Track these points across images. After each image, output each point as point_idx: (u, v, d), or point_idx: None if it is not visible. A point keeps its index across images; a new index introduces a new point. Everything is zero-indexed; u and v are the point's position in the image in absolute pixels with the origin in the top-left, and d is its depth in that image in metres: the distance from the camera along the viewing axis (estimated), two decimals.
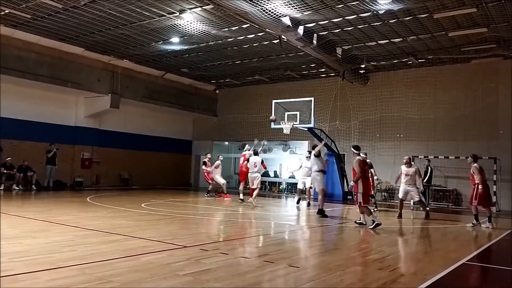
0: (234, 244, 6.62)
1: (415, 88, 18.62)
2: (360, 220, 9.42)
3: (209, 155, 17.60)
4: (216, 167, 16.03)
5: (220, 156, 17.30)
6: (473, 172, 10.15)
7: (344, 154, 20.00)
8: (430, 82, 18.35)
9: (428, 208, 12.52)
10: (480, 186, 10.01)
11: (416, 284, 4.63)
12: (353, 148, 9.67)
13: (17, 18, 14.79)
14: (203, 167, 17.05)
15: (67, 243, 6.05)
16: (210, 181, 16.57)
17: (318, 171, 11.67)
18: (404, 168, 11.95)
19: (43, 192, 15.94)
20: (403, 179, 11.83)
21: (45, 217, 8.76)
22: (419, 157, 17.14)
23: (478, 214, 10.21)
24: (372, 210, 9.65)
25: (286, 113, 17.02)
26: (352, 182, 9.35)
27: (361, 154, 9.60)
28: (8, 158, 15.97)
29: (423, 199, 12.04)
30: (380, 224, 9.02)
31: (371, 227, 8.96)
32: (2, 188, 15.45)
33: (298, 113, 16.82)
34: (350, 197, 19.02)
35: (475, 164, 10.27)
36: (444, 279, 5.05)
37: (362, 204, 9.16)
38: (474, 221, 10.11)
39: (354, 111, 19.99)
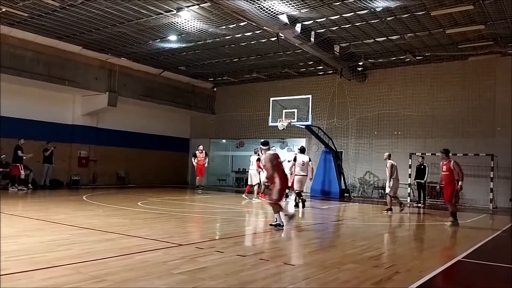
0: (229, 242, 6.61)
1: (413, 85, 18.63)
2: (275, 221, 8.20)
3: (201, 147, 17.51)
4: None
5: (200, 146, 17.63)
6: (454, 168, 9.61)
7: (342, 151, 20.03)
8: (427, 80, 18.36)
9: (388, 206, 12.45)
10: (460, 183, 9.57)
11: (411, 281, 4.64)
12: (261, 144, 8.92)
13: (14, 17, 14.74)
14: (193, 159, 17.24)
15: (62, 241, 6.05)
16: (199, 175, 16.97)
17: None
18: None
19: (39, 190, 15.91)
20: None
21: (41, 216, 8.75)
22: (416, 154, 17.18)
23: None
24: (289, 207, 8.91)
25: (284, 111, 17.00)
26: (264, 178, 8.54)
27: (271, 149, 8.91)
28: (3, 156, 15.91)
29: (391, 193, 12.16)
30: (283, 226, 8.11)
31: (273, 223, 8.14)
32: None
33: (295, 110, 16.82)
34: (347, 194, 19.11)
35: (453, 160, 9.82)
36: (439, 276, 5.06)
37: (276, 201, 8.13)
38: (452, 219, 9.72)
39: (352, 108, 19.99)
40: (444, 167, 9.84)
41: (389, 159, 12.38)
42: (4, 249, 5.35)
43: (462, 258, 6.17)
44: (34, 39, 16.78)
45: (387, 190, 12.24)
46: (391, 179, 12.10)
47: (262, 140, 9.00)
